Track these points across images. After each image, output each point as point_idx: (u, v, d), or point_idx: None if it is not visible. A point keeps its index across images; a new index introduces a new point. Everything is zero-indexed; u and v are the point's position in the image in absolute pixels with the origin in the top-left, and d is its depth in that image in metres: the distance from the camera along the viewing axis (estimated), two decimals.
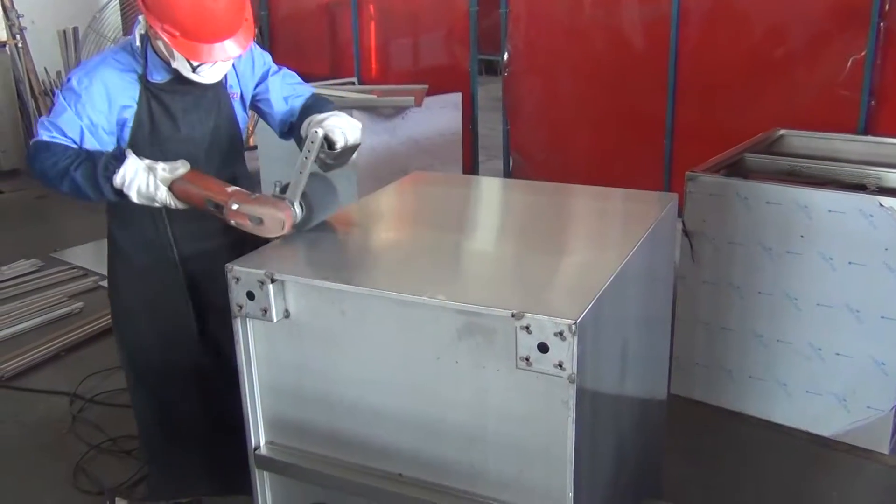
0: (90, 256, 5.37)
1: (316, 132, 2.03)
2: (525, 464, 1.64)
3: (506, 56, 5.42)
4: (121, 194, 2.01)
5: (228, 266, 1.82)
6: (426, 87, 5.25)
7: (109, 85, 2.14)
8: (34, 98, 7.55)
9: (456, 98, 5.40)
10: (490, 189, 2.79)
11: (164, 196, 1.99)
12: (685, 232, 3.24)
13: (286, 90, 2.40)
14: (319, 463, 1.87)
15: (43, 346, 4.01)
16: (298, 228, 1.99)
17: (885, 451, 3.02)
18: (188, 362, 2.44)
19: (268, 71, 2.39)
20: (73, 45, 6.76)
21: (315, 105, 2.34)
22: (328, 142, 2.09)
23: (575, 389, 1.52)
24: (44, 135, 2.10)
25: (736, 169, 3.40)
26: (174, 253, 2.35)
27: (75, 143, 2.10)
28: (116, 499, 2.83)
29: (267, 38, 6.13)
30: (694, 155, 3.63)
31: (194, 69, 2.09)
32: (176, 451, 2.56)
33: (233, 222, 1.95)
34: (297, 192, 1.96)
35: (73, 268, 5.11)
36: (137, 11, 3.81)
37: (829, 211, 2.92)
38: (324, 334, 1.79)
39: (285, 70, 2.45)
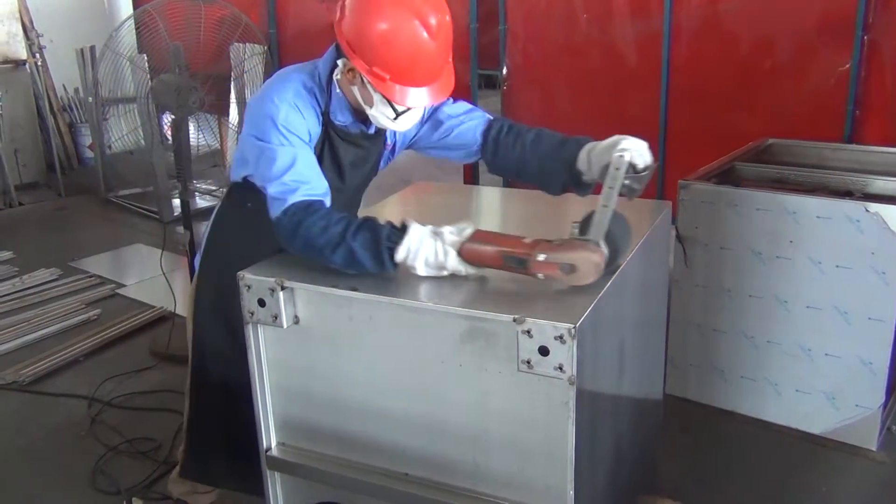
0: (107, 265, 5.37)
1: (621, 157, 1.79)
2: (527, 463, 1.64)
3: (504, 71, 5.41)
4: (395, 264, 1.75)
5: (240, 274, 1.81)
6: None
7: (305, 114, 1.90)
8: (53, 114, 7.56)
9: None
10: (490, 198, 2.78)
11: (454, 262, 1.72)
12: (678, 238, 3.23)
13: (460, 113, 2.12)
14: (328, 463, 1.87)
15: (62, 352, 4.00)
16: (605, 271, 1.72)
17: (873, 447, 3.01)
18: None
19: (439, 107, 2.11)
20: (91, 64, 6.76)
21: (523, 130, 2.09)
22: (630, 166, 1.82)
23: (575, 391, 1.52)
24: (293, 196, 1.81)
25: (727, 177, 3.39)
26: None
27: (320, 180, 1.88)
28: (133, 499, 2.83)
29: (276, 55, 6.14)
30: (686, 164, 3.62)
31: (396, 117, 1.88)
32: (220, 442, 2.38)
33: (540, 276, 1.68)
34: (603, 230, 1.70)
35: (91, 276, 5.11)
36: (153, 31, 3.82)
37: (818, 217, 2.91)
38: (332, 339, 1.78)
39: (450, 99, 2.14)
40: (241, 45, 4.60)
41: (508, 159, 2.08)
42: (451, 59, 1.89)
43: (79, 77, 7.19)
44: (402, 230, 1.75)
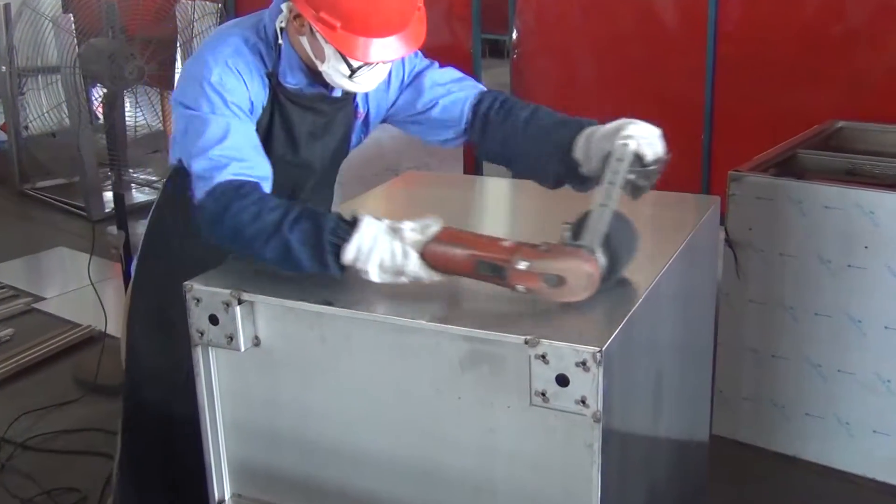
0: (22, 274, 5.37)
1: (625, 146, 1.78)
2: None
3: (514, 35, 5.44)
4: (341, 266, 1.73)
5: (187, 284, 1.81)
6: None
7: (245, 78, 1.94)
8: None
9: None
10: (495, 191, 2.79)
11: (415, 267, 1.68)
12: (728, 242, 3.24)
13: (447, 81, 2.14)
14: None
15: None
16: (602, 284, 1.67)
17: None
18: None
19: (421, 72, 2.15)
20: (4, 25, 6.76)
21: (516, 106, 2.07)
22: (637, 158, 1.81)
23: (601, 430, 1.52)
24: (221, 174, 1.81)
25: (788, 167, 3.41)
26: None
27: (259, 158, 1.90)
28: None
29: (234, 14, 6.16)
30: (738, 151, 3.63)
31: (352, 74, 1.91)
32: (160, 492, 2.42)
33: (520, 288, 1.65)
34: (600, 234, 1.68)
35: (2, 287, 5.11)
36: None
37: None
38: (301, 365, 1.79)
39: (435, 64, 2.19)
40: (189, 1, 4.60)
41: (496, 141, 2.09)
42: (421, 4, 1.92)
43: None
44: (351, 224, 1.73)
